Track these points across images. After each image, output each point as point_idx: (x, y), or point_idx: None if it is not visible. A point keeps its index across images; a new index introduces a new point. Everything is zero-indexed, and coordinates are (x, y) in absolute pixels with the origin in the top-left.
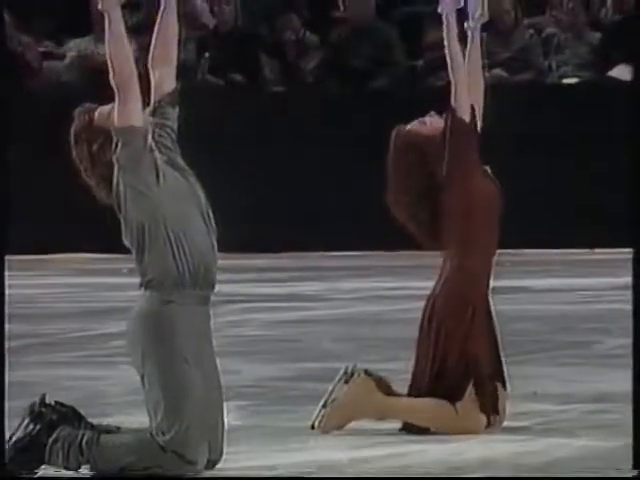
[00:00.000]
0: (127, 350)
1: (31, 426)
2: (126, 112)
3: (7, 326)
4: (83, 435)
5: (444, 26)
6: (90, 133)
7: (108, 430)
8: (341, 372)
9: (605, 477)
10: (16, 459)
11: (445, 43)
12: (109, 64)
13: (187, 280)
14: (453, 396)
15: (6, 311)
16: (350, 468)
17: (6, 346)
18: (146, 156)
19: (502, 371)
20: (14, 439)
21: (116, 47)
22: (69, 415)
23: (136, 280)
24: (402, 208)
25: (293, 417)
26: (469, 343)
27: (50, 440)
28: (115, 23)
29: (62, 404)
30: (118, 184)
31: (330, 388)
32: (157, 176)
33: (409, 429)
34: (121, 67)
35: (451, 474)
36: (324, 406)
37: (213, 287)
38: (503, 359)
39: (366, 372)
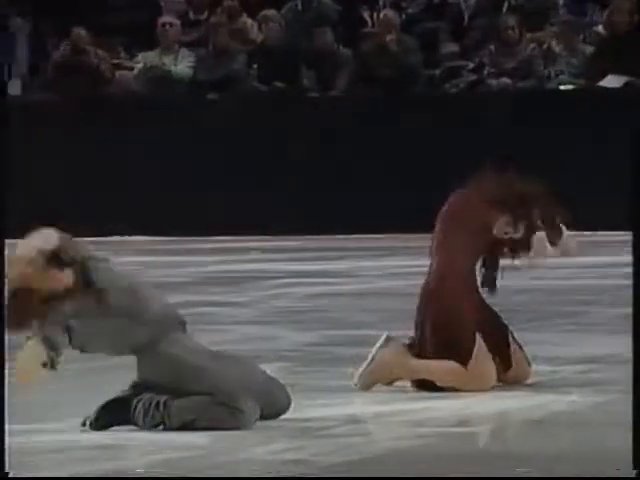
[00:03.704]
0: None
1: (120, 392)
2: None
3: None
4: (161, 397)
5: None
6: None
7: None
8: (382, 339)
9: (605, 477)
10: (102, 416)
11: None
12: None
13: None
14: (462, 359)
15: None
16: (374, 420)
17: (6, 349)
18: None
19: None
20: (104, 402)
21: None
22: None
23: (190, 259)
24: None
25: (326, 377)
26: (462, 319)
27: (135, 400)
28: None
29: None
30: None
31: (372, 352)
32: None
33: (421, 387)
34: None
35: (460, 427)
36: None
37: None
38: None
39: (397, 339)
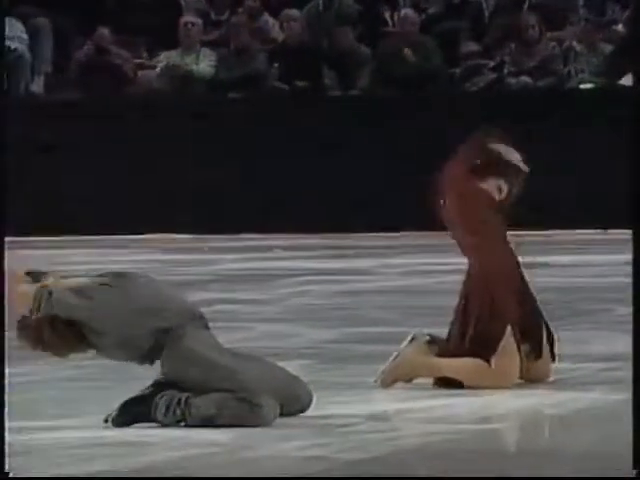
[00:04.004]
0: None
1: (142, 389)
2: None
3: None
4: (182, 394)
5: None
6: None
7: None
8: (408, 338)
9: (605, 477)
10: (124, 413)
11: None
12: None
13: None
14: (488, 352)
15: (6, 311)
16: (395, 417)
17: (6, 346)
18: None
19: (538, 330)
20: (126, 399)
21: None
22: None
23: (215, 257)
24: None
25: (346, 374)
26: (498, 310)
27: (157, 397)
28: None
29: None
30: None
31: (397, 351)
32: None
33: (442, 384)
34: None
35: (479, 424)
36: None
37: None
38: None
39: (417, 337)
